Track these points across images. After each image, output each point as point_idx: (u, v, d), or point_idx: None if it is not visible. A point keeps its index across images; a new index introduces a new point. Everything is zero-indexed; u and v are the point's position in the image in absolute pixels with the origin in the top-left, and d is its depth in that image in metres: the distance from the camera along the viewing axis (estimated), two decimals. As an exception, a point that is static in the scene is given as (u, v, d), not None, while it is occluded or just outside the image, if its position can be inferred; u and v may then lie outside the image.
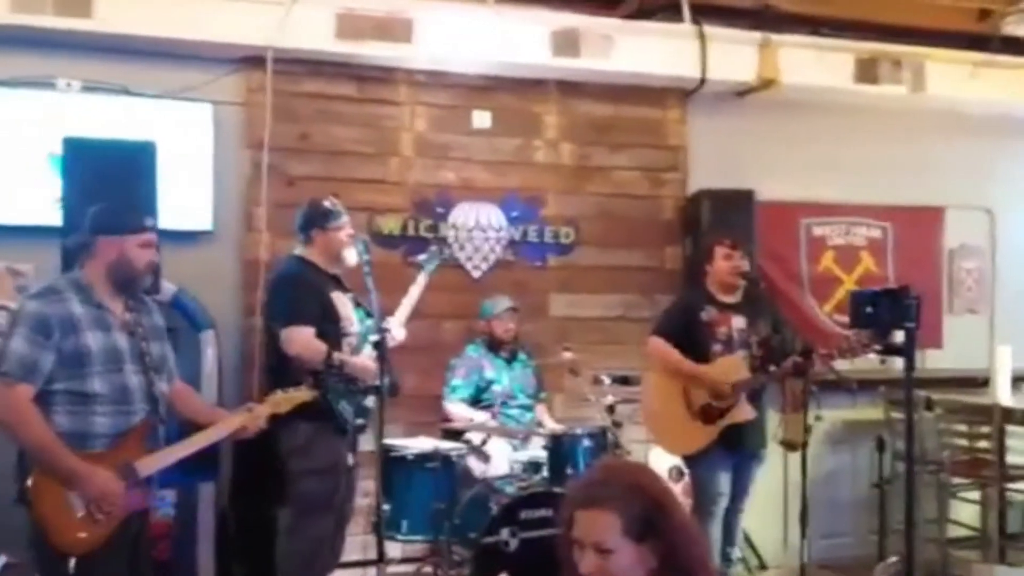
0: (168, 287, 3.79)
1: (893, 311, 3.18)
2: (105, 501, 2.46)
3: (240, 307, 4.18)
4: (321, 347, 3.22)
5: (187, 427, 2.79)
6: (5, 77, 3.88)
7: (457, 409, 4.16)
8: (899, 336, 3.24)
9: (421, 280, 3.71)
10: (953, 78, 4.99)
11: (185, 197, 4.02)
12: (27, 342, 2.44)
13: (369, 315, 3.38)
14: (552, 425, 4.23)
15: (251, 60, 4.19)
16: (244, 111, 4.24)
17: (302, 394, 2.90)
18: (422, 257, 3.87)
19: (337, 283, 3.44)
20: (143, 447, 2.57)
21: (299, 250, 3.46)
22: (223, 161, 4.17)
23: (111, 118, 3.95)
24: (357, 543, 3.69)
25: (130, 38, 3.90)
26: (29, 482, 2.45)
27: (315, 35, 4.14)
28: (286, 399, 2.87)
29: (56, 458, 2.43)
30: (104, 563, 2.47)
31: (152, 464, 2.57)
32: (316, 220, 3.41)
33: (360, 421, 3.32)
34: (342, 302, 3.40)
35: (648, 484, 1.60)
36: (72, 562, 2.41)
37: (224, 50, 4.11)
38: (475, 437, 3.98)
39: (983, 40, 5.09)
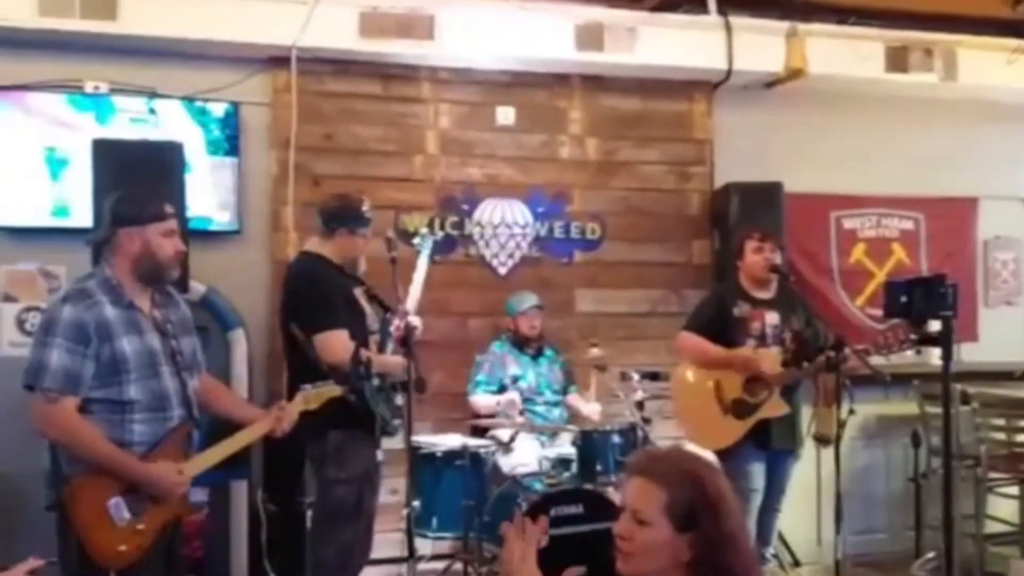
0: (197, 287, 3.81)
1: (928, 300, 3.12)
2: (172, 494, 2.44)
3: (269, 306, 4.20)
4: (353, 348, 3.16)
5: (218, 423, 2.77)
6: (34, 80, 3.93)
7: (481, 400, 4.14)
8: (934, 326, 3.18)
9: (421, 265, 3.66)
10: (986, 66, 4.90)
11: (212, 197, 4.05)
12: (67, 353, 2.36)
13: (386, 309, 3.35)
14: (588, 408, 4.17)
15: (276, 60, 4.21)
16: (270, 111, 4.26)
17: (332, 389, 2.85)
18: (415, 241, 3.82)
19: (354, 279, 3.38)
20: (180, 452, 2.51)
21: (312, 245, 3.38)
22: (250, 161, 4.19)
23: (139, 119, 3.98)
24: (388, 540, 3.69)
25: (156, 40, 3.92)
26: (65, 494, 2.39)
27: (338, 34, 4.14)
28: (316, 395, 2.81)
29: (117, 465, 2.38)
30: (144, 573, 2.42)
31: (190, 470, 2.52)
32: (346, 220, 3.32)
33: (397, 422, 3.27)
34: (363, 299, 3.36)
35: (708, 481, 1.57)
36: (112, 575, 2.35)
37: (249, 50, 4.13)
38: (502, 433, 3.97)
39: (1017, 26, 4.97)
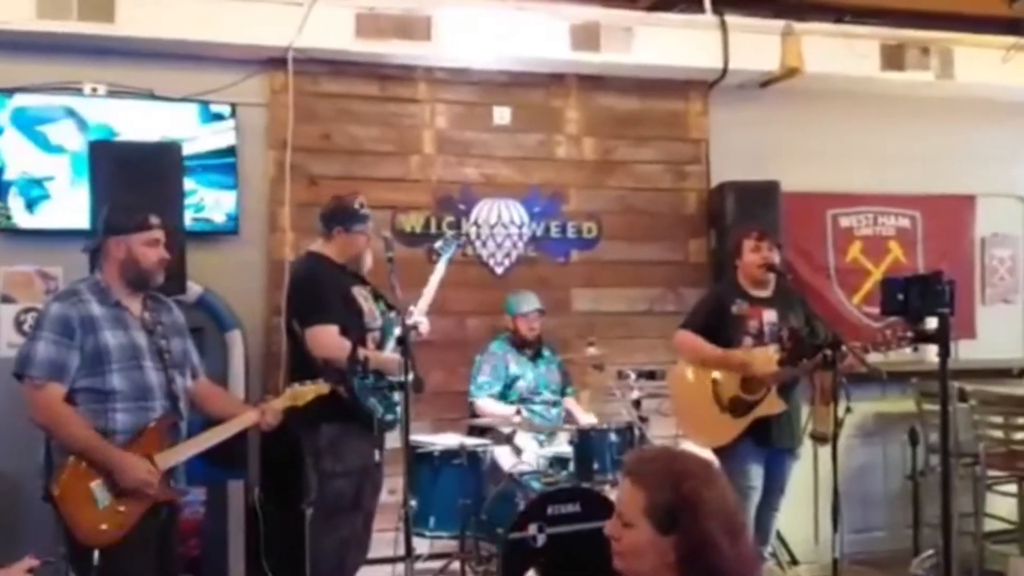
0: (194, 288, 3.82)
1: (925, 297, 3.12)
2: (143, 488, 2.52)
3: (266, 306, 4.21)
4: (347, 344, 3.22)
5: (213, 424, 2.81)
6: (32, 82, 3.93)
7: (487, 405, 4.15)
8: (932, 323, 3.18)
9: (440, 268, 3.72)
10: (982, 64, 4.91)
11: (210, 198, 4.06)
12: (53, 344, 2.52)
13: (391, 308, 3.38)
14: (584, 418, 4.20)
15: (273, 61, 4.22)
16: (267, 112, 4.27)
17: (319, 387, 2.92)
18: (438, 244, 3.89)
19: (355, 277, 3.44)
20: (163, 442, 2.61)
21: (316, 246, 3.47)
22: (247, 162, 4.20)
23: (137, 121, 3.99)
24: (385, 539, 3.69)
25: (153, 42, 3.94)
26: (53, 478, 2.51)
27: (335, 35, 4.15)
28: (303, 392, 2.89)
29: (95, 450, 2.50)
30: (129, 555, 2.51)
31: (170, 458, 2.62)
32: (341, 219, 3.41)
33: (390, 417, 3.31)
34: (363, 296, 3.41)
35: (686, 482, 1.54)
36: (96, 554, 2.46)
37: (246, 52, 4.14)
38: (504, 430, 3.98)
39: (1013, 24, 4.98)
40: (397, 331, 3.28)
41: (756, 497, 3.63)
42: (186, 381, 2.75)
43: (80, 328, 2.54)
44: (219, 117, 4.12)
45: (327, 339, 3.21)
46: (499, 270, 4.58)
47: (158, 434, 2.60)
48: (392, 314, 3.39)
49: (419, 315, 3.51)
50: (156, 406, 2.60)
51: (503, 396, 4.19)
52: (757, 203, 4.47)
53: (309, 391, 2.89)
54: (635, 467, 1.61)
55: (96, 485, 2.49)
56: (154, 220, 2.69)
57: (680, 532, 1.50)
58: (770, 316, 3.67)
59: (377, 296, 3.45)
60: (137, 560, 2.53)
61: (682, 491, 1.52)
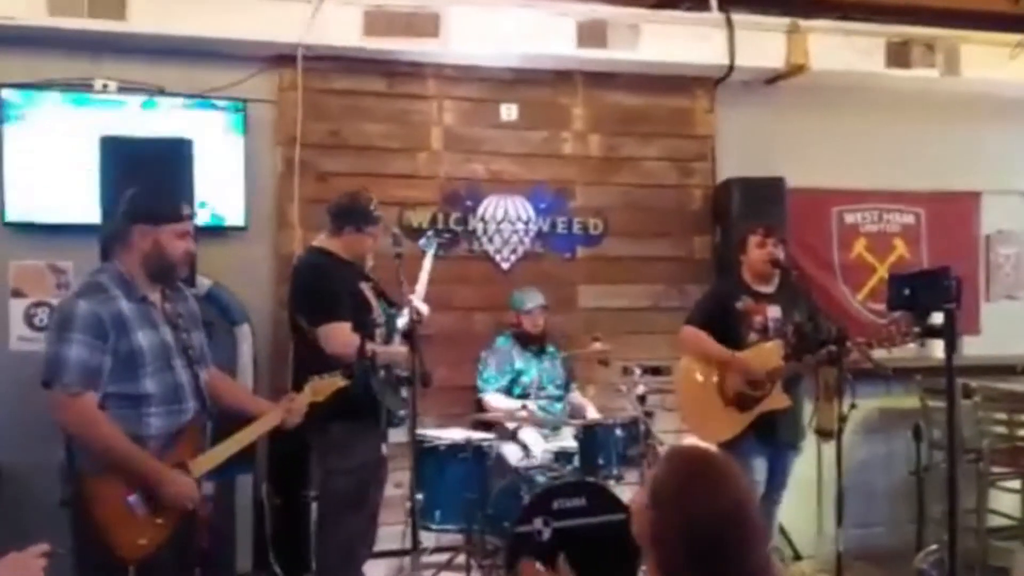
0: (203, 282, 3.85)
1: (932, 293, 3.14)
2: (184, 505, 2.41)
3: (274, 301, 4.24)
4: (357, 340, 3.20)
5: (228, 415, 2.77)
6: (43, 79, 3.97)
7: (495, 400, 4.18)
8: (937, 318, 3.20)
9: (427, 264, 3.73)
10: (988, 61, 4.91)
11: (219, 194, 4.08)
12: (86, 347, 2.34)
13: (392, 304, 3.40)
14: (594, 413, 4.24)
15: (282, 58, 4.24)
16: (276, 109, 4.30)
17: (339, 379, 2.84)
18: (422, 242, 3.89)
19: (361, 273, 3.44)
20: (196, 446, 2.51)
21: (321, 240, 3.45)
22: (256, 158, 4.23)
23: (147, 117, 4.02)
24: (392, 533, 3.72)
25: (164, 38, 3.96)
26: (83, 489, 2.37)
27: (344, 32, 4.18)
28: (325, 385, 2.80)
29: (136, 463, 2.36)
30: (164, 566, 2.41)
31: (204, 464, 2.51)
32: (354, 218, 3.38)
33: (403, 413, 3.32)
34: (369, 292, 3.42)
35: (685, 478, 1.54)
36: (132, 570, 2.33)
37: (255, 48, 4.17)
38: (510, 426, 4.01)
39: (1018, 21, 4.98)
40: (399, 325, 3.31)
41: (759, 491, 3.65)
42: (204, 375, 2.63)
43: (113, 330, 2.36)
44: (229, 113, 4.14)
45: (342, 336, 3.17)
46: (505, 266, 4.61)
47: (190, 438, 2.50)
48: (393, 310, 3.40)
49: (417, 301, 3.48)
50: (188, 407, 2.48)
51: (509, 391, 4.22)
52: (762, 199, 4.49)
53: (329, 385, 2.81)
54: (674, 447, 1.75)
55: (133, 499, 2.36)
56: (187, 210, 2.52)
57: (658, 510, 1.54)
58: (774, 312, 3.69)
59: (378, 293, 3.45)
60: (168, 568, 2.43)
61: (673, 479, 1.55)
